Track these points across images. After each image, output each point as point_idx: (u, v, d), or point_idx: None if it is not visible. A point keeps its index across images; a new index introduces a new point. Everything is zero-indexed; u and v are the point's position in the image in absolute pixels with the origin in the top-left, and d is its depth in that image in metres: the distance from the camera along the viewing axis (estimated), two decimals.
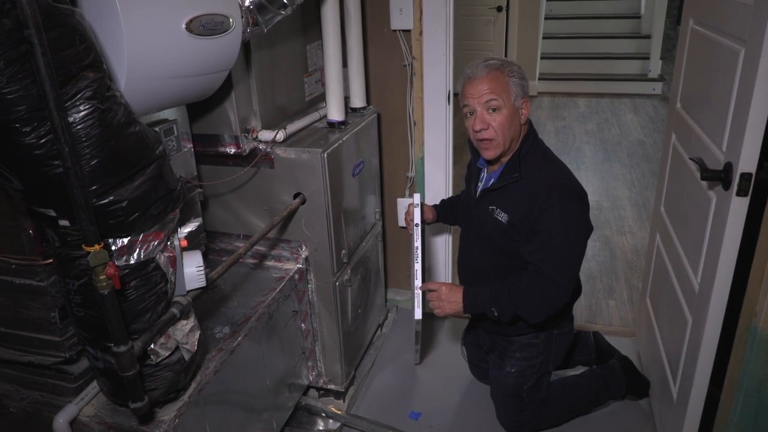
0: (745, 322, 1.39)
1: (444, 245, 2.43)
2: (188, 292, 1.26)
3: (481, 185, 1.73)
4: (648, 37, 6.22)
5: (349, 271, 1.97)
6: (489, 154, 1.61)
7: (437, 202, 2.02)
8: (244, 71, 1.64)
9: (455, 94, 2.31)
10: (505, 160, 1.64)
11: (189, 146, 1.56)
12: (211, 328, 1.55)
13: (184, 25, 1.18)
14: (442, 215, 1.97)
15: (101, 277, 0.99)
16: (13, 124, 0.91)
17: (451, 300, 1.61)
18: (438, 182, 2.30)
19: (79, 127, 0.95)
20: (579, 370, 2.06)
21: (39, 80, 0.86)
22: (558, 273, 1.52)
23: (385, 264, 2.46)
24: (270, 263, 1.87)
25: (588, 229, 1.58)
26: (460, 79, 1.62)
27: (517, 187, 1.58)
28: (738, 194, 1.30)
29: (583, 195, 1.57)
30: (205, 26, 1.24)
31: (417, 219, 1.72)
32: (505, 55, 5.99)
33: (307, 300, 1.89)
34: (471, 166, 1.82)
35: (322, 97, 2.03)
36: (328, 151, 1.72)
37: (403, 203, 2.39)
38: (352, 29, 1.94)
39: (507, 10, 5.78)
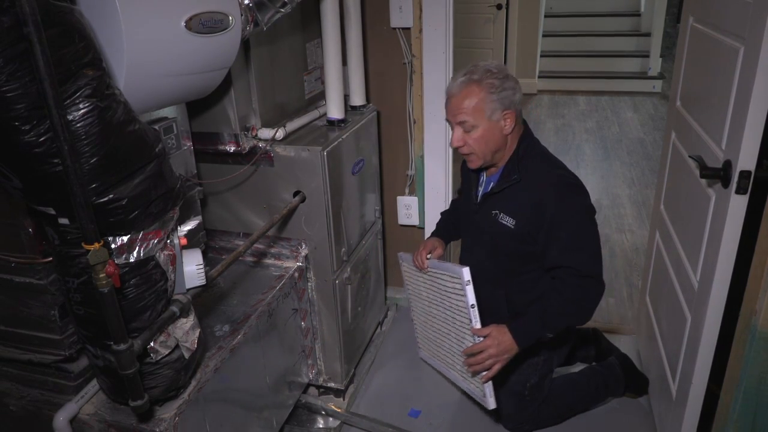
0: (744, 320, 1.39)
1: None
2: (188, 290, 1.26)
3: (481, 189, 1.72)
4: (648, 34, 6.22)
5: (348, 269, 1.97)
6: (472, 165, 1.64)
7: (437, 220, 1.95)
8: (244, 69, 1.64)
9: None
10: (501, 163, 1.63)
11: (188, 144, 1.56)
12: (211, 326, 1.55)
13: (183, 23, 1.18)
14: (447, 239, 1.88)
15: (101, 276, 0.99)
16: (12, 122, 0.90)
17: (503, 349, 1.49)
18: (438, 180, 2.30)
19: (78, 125, 0.95)
20: (578, 368, 2.06)
21: (38, 78, 0.86)
22: (592, 267, 1.53)
23: (384, 262, 2.45)
24: (270, 261, 1.87)
25: (594, 213, 1.60)
26: None
27: (518, 189, 1.58)
28: (737, 192, 1.30)
29: (582, 186, 1.59)
30: (204, 24, 1.24)
31: (472, 299, 1.52)
32: (505, 53, 5.98)
33: (306, 298, 1.89)
34: (468, 170, 1.77)
35: (321, 95, 2.03)
36: (328, 149, 1.72)
37: (403, 201, 2.39)
38: (351, 27, 1.94)
39: (507, 8, 5.77)
